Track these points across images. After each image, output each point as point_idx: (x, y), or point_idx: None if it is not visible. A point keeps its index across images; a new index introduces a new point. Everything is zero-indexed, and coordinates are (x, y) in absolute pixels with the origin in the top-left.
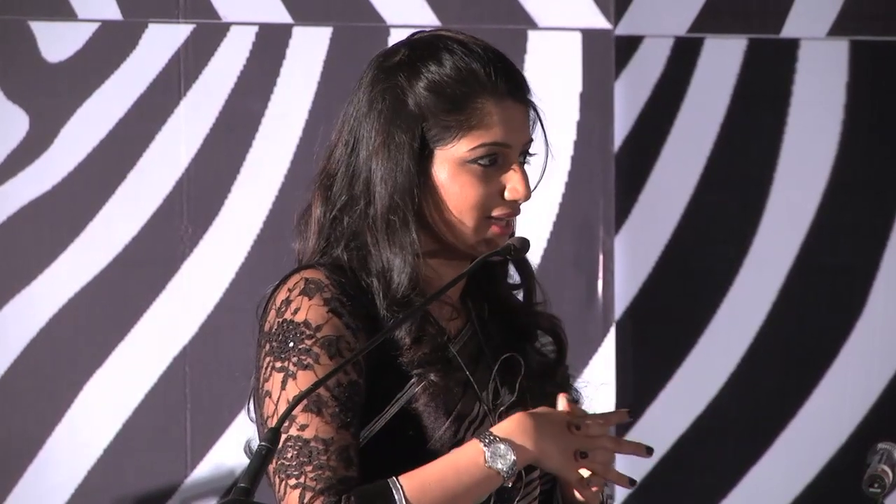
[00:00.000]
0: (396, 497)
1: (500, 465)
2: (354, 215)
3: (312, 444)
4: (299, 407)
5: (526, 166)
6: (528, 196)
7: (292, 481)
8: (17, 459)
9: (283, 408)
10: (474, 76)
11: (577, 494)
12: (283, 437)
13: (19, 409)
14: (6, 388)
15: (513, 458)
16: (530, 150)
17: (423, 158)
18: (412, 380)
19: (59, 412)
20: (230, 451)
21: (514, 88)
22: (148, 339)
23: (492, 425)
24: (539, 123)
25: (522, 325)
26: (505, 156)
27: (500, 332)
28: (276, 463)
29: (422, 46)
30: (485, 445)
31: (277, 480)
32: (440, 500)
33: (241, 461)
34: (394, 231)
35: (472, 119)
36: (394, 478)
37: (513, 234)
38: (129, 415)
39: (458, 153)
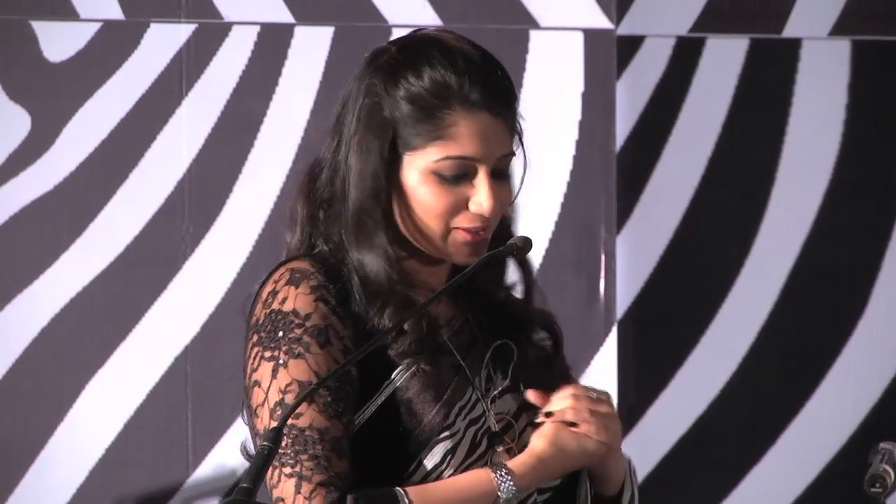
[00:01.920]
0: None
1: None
2: (332, 213)
3: (308, 433)
4: (291, 395)
5: (497, 179)
6: (493, 211)
7: (287, 469)
8: (18, 459)
9: (273, 397)
10: (447, 88)
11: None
12: (276, 424)
13: (21, 409)
14: (7, 388)
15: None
16: (505, 163)
17: (394, 163)
18: (400, 367)
19: (60, 412)
20: (232, 451)
21: (490, 100)
22: (149, 339)
23: (483, 411)
24: (519, 139)
25: (516, 319)
26: (472, 169)
27: (493, 322)
28: None
29: (408, 52)
30: (501, 490)
31: (270, 468)
32: None
33: (242, 461)
34: (364, 232)
35: (440, 129)
36: (401, 489)
37: (484, 240)
38: (130, 415)
39: (425, 162)
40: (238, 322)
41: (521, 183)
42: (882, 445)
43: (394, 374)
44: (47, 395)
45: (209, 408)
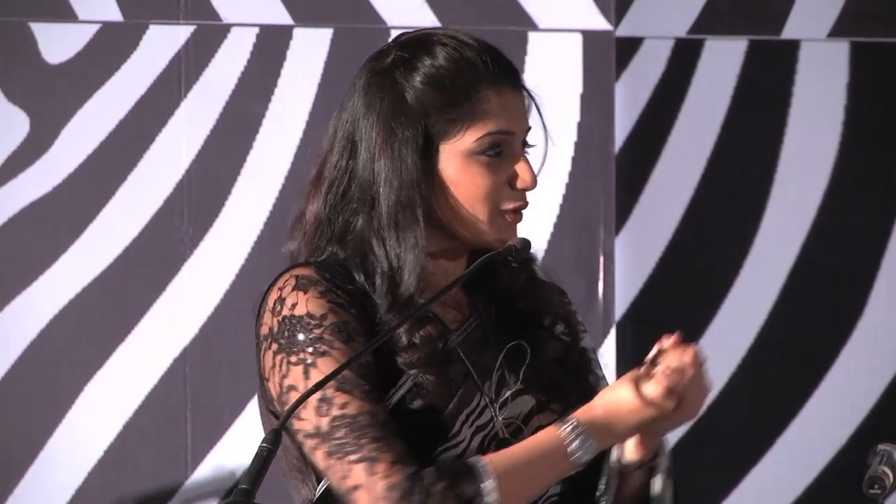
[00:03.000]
0: (483, 473)
1: (584, 458)
2: (352, 217)
3: (360, 418)
4: (330, 390)
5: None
6: (535, 184)
7: (353, 457)
8: (17, 460)
9: (314, 397)
10: (471, 66)
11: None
12: (325, 419)
13: (20, 409)
14: (7, 389)
15: (594, 448)
16: (528, 140)
17: (429, 155)
18: (405, 377)
19: (59, 413)
20: (231, 453)
21: (510, 76)
22: (148, 340)
23: (492, 416)
24: (536, 110)
25: (530, 312)
26: (509, 145)
27: (507, 321)
28: (328, 447)
29: (413, 43)
30: (574, 437)
31: (334, 462)
32: (523, 483)
33: (241, 462)
34: (402, 229)
35: (476, 110)
36: (479, 457)
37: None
38: (129, 416)
39: (464, 146)
40: (237, 323)
41: (545, 157)
42: (881, 447)
43: (399, 383)
44: (46, 396)
45: (208, 409)
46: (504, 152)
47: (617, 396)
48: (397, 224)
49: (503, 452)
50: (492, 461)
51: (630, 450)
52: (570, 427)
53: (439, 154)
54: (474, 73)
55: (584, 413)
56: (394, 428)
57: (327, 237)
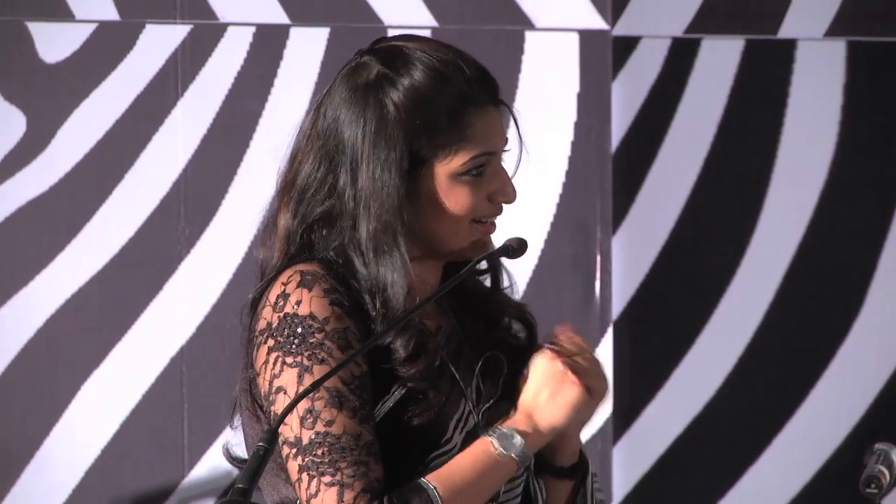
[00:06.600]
0: (431, 496)
1: (511, 452)
2: (333, 230)
3: (343, 439)
4: (320, 402)
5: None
6: (515, 198)
7: (327, 479)
8: (14, 460)
9: (302, 404)
10: (455, 86)
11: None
12: (309, 433)
13: (17, 409)
14: (4, 389)
15: (520, 440)
16: (504, 149)
17: (413, 176)
18: (398, 384)
19: (56, 413)
20: None
21: (492, 94)
22: (145, 340)
23: (476, 423)
24: (514, 122)
25: (492, 314)
26: (492, 163)
27: (475, 325)
28: (304, 460)
29: (393, 59)
30: (490, 435)
31: (307, 477)
32: (467, 494)
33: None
34: (383, 251)
35: (463, 134)
36: (423, 479)
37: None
38: (126, 415)
39: (451, 167)
40: (234, 323)
41: (517, 167)
42: (877, 446)
43: (391, 391)
44: (43, 396)
45: (205, 408)
46: (486, 171)
47: (529, 391)
48: (377, 247)
49: (447, 470)
50: (435, 478)
51: (551, 456)
52: (496, 434)
53: (426, 175)
54: (458, 94)
55: (507, 418)
56: (375, 449)
57: (318, 245)
